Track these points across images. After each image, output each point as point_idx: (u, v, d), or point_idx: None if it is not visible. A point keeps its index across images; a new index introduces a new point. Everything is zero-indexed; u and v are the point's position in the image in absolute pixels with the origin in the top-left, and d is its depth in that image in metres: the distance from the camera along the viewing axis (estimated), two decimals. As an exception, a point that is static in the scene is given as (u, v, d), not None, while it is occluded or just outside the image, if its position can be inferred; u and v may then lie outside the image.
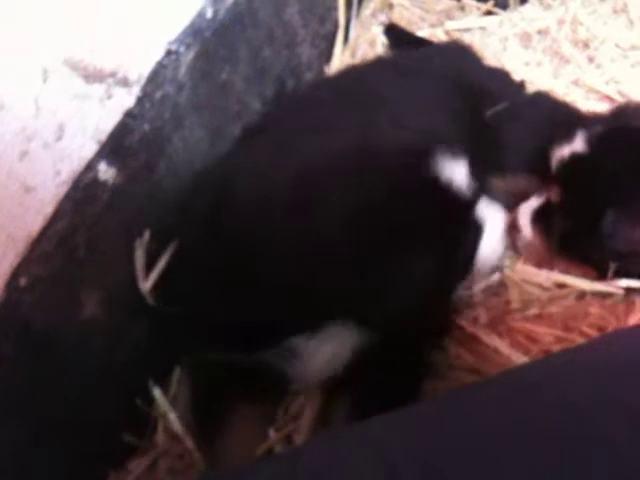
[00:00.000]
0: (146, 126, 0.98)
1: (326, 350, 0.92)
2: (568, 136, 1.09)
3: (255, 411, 1.01)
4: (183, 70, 1.03)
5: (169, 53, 1.00)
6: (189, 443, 1.04)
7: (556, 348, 1.05)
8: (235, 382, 0.99)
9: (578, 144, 1.07)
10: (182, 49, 1.02)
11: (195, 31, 1.04)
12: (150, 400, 1.08)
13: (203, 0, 1.05)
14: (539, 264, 1.12)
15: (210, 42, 1.07)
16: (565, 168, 1.07)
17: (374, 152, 0.87)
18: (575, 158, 1.06)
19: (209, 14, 1.06)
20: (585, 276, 1.09)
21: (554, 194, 1.10)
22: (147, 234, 1.00)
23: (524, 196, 1.14)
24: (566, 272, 1.10)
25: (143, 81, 0.97)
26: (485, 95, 1.13)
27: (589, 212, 1.02)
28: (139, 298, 1.03)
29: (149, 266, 1.00)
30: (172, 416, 1.07)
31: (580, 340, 1.05)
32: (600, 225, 1.00)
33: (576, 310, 1.09)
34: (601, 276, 1.07)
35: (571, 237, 1.06)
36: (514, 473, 0.59)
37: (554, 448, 0.59)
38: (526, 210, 1.13)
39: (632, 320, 1.05)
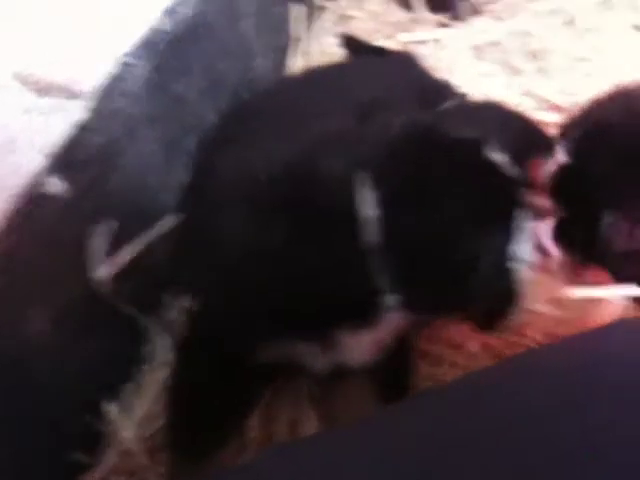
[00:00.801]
0: (98, 139, 0.97)
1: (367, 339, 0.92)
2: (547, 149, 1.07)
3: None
4: (137, 83, 1.03)
5: (122, 66, 1.00)
6: (143, 459, 1.04)
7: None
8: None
9: (560, 155, 1.06)
10: (136, 62, 1.02)
11: (149, 44, 1.04)
12: (100, 417, 1.07)
13: (158, 12, 1.05)
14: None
15: (164, 55, 1.07)
16: (557, 183, 1.04)
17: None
18: (562, 170, 1.04)
19: (164, 27, 1.06)
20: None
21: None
22: (111, 224, 0.99)
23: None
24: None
25: (95, 94, 0.96)
26: (437, 97, 1.14)
27: (589, 220, 1.02)
28: (91, 312, 1.03)
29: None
30: (126, 432, 1.06)
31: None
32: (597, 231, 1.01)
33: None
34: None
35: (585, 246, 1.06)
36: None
37: (511, 452, 0.60)
38: (545, 229, 1.13)
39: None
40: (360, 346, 0.92)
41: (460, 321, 1.02)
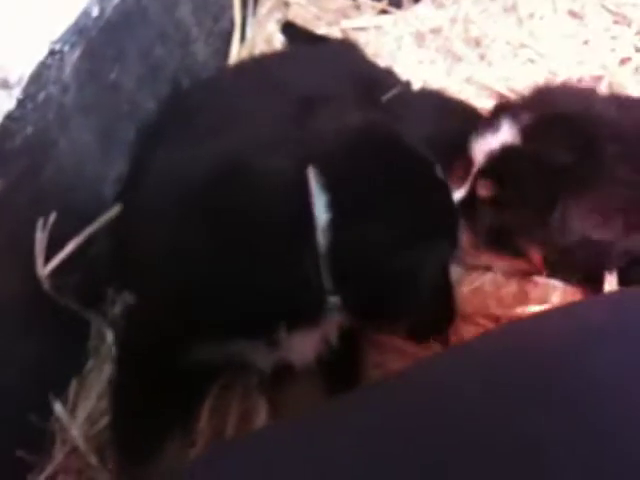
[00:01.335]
0: (29, 129, 0.94)
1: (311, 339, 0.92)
2: (491, 126, 1.07)
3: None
4: (68, 70, 0.99)
5: (52, 53, 0.96)
6: (91, 458, 1.02)
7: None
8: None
9: (507, 135, 1.05)
10: (66, 48, 0.99)
11: (80, 30, 1.01)
12: (46, 415, 1.05)
13: (89, -2, 1.02)
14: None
15: (96, 41, 1.04)
16: (497, 161, 1.05)
17: None
18: (508, 150, 1.04)
19: (95, 12, 1.03)
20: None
21: (484, 188, 1.08)
22: (53, 216, 0.97)
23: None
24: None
25: (24, 82, 0.93)
26: (377, 85, 1.14)
27: (535, 206, 1.02)
28: (32, 308, 1.00)
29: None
30: (73, 430, 1.04)
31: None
32: (550, 217, 1.00)
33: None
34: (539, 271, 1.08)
35: (506, 231, 1.06)
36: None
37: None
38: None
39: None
40: (304, 345, 0.91)
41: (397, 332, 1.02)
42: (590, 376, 0.57)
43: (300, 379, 1.00)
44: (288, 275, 0.84)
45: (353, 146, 0.88)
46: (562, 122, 1.04)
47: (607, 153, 1.00)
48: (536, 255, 1.06)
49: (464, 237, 1.04)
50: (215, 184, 0.88)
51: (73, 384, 1.10)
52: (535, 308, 1.06)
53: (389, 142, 0.92)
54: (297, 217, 0.84)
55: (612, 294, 0.87)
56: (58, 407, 1.06)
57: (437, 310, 0.96)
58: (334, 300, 0.87)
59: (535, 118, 1.05)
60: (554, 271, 1.07)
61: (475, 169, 1.08)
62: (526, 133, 1.03)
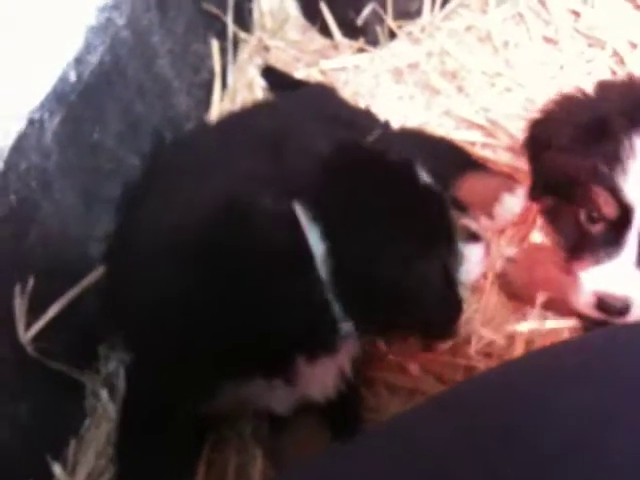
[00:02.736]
0: (12, 197, 0.96)
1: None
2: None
3: None
4: (49, 136, 1.01)
5: (32, 122, 0.98)
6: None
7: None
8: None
9: None
10: (46, 116, 1.01)
11: (59, 96, 1.03)
12: (45, 478, 1.05)
13: (65, 64, 1.04)
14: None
15: (76, 105, 1.05)
16: None
17: None
18: None
19: (72, 77, 1.05)
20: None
21: None
22: (31, 282, 0.98)
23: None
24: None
25: (5, 154, 0.94)
26: (355, 127, 1.15)
27: None
28: (22, 373, 1.01)
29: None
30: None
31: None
32: None
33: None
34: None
35: None
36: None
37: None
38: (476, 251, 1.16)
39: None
40: (323, 377, 0.93)
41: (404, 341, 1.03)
42: (552, 423, 0.58)
43: (296, 427, 1.00)
44: (296, 309, 0.85)
45: (329, 172, 0.89)
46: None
47: None
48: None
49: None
50: (209, 231, 0.89)
51: (71, 444, 1.10)
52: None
53: (363, 158, 0.93)
54: (295, 252, 0.85)
55: (585, 336, 0.88)
56: (57, 469, 1.06)
57: (444, 313, 0.97)
58: (347, 326, 0.88)
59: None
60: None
61: None
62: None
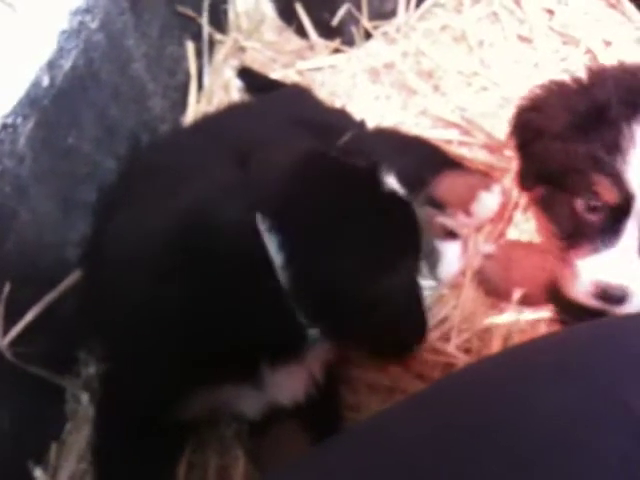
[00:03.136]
0: (-14, 205, 0.95)
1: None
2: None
3: None
4: (22, 141, 1.01)
5: (5, 127, 0.98)
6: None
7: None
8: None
9: None
10: (19, 121, 1.00)
11: (32, 101, 1.02)
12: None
13: (37, 69, 1.03)
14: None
15: (49, 110, 1.05)
16: None
17: None
18: None
19: (45, 82, 1.04)
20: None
21: None
22: (7, 287, 0.97)
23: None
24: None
25: (-22, 160, 0.94)
26: (330, 129, 1.15)
27: None
28: (2, 381, 1.01)
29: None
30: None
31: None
32: None
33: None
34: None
35: None
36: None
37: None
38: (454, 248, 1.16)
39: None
40: (291, 382, 0.93)
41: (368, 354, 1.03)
42: (532, 422, 0.58)
43: (277, 428, 1.00)
44: (260, 317, 0.85)
45: (290, 181, 0.89)
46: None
47: None
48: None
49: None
50: (175, 240, 0.89)
51: (53, 448, 1.10)
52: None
53: (325, 167, 0.93)
54: (256, 262, 0.85)
55: (564, 332, 0.88)
56: (38, 473, 1.06)
57: (407, 327, 0.97)
58: (314, 332, 0.88)
59: None
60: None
61: None
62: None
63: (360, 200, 0.91)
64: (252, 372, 0.90)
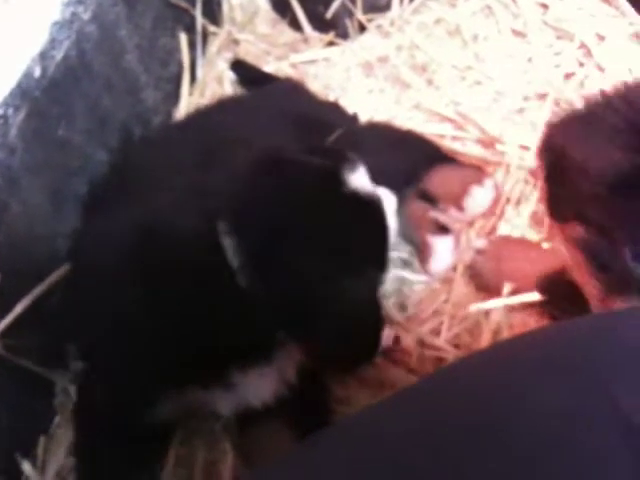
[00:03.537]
0: (-23, 197, 0.95)
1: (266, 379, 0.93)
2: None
3: None
4: (13, 132, 1.00)
5: (-5, 118, 0.98)
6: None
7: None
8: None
9: None
10: (10, 112, 0.99)
11: (23, 92, 1.01)
12: (15, 475, 1.05)
13: (29, 59, 1.02)
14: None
15: (41, 101, 1.04)
16: None
17: None
18: None
19: (37, 73, 1.04)
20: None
21: None
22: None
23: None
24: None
25: (-31, 151, 0.94)
26: (321, 125, 1.15)
27: None
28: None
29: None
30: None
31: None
32: None
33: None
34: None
35: None
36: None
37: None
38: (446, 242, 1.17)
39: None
40: (260, 385, 0.92)
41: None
42: (527, 421, 0.58)
43: (265, 422, 1.00)
44: (225, 318, 0.85)
45: (248, 184, 0.89)
46: None
47: None
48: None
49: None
50: (142, 245, 0.90)
51: (41, 442, 1.10)
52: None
53: (284, 168, 0.91)
54: (217, 264, 0.85)
55: (550, 328, 0.88)
56: (27, 466, 1.06)
57: (360, 340, 0.94)
58: (282, 334, 0.88)
59: None
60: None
61: None
62: None
63: (316, 201, 0.89)
64: (221, 374, 0.90)
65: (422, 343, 1.13)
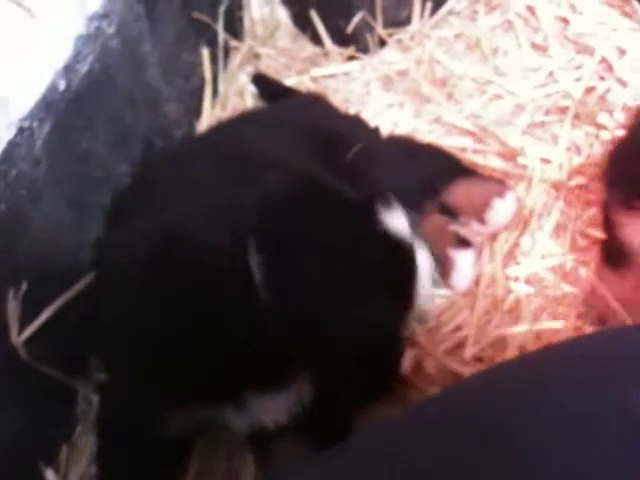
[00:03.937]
0: (2, 206, 0.95)
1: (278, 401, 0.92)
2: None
3: None
4: (38, 145, 1.01)
5: (22, 130, 0.98)
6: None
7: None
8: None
9: None
10: (36, 124, 1.01)
11: (48, 104, 1.02)
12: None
13: (53, 73, 1.04)
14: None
15: (65, 114, 1.05)
16: None
17: None
18: None
19: (62, 86, 1.05)
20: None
21: None
22: (23, 288, 0.98)
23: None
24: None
25: (-6, 162, 0.95)
26: (342, 139, 1.15)
27: None
28: (14, 378, 1.01)
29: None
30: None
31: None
32: None
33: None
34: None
35: None
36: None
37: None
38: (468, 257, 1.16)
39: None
40: (273, 406, 0.92)
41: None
42: (543, 432, 0.58)
43: (286, 436, 1.00)
44: (240, 335, 0.85)
45: (280, 205, 0.88)
46: None
47: None
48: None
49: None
50: (159, 259, 0.89)
51: (63, 450, 1.10)
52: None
53: (318, 198, 0.91)
54: (240, 280, 0.85)
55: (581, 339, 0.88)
56: (50, 475, 1.06)
57: (379, 369, 0.96)
58: (298, 357, 0.88)
59: None
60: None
61: None
62: None
63: (348, 235, 0.89)
64: (234, 392, 0.89)
65: (445, 358, 1.12)
